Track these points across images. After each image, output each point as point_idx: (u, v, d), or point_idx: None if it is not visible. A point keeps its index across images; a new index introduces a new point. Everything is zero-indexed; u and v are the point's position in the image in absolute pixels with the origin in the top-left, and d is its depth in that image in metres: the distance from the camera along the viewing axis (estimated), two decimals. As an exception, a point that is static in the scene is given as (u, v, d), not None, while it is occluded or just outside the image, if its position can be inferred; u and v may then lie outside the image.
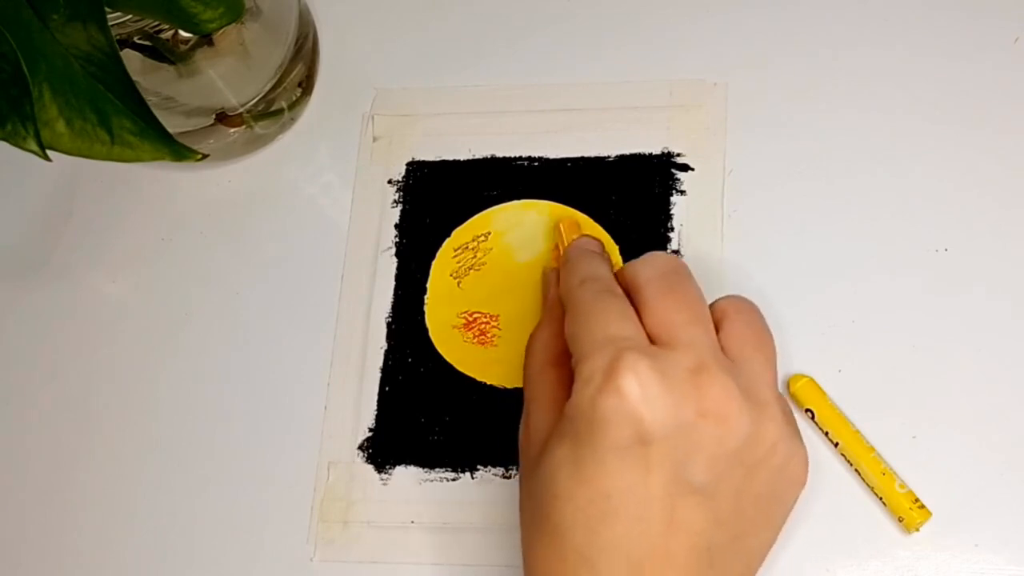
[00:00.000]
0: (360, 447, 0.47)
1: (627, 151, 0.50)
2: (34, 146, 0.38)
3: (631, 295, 0.38)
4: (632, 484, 0.34)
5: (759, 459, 0.36)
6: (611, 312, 0.37)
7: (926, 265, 0.46)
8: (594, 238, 0.45)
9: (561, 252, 0.46)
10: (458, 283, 0.49)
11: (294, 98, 0.53)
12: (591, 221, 0.49)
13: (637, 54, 0.52)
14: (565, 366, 0.39)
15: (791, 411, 0.38)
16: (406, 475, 0.47)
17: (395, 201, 0.51)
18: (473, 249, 0.50)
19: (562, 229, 0.47)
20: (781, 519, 0.38)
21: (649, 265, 0.39)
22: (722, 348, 0.37)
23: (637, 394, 0.34)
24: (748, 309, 0.39)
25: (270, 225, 0.52)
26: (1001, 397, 0.44)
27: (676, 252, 0.48)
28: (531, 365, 0.41)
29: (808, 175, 0.48)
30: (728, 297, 0.39)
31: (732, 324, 0.38)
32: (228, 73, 0.49)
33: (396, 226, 0.51)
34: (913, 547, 0.42)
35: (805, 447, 0.38)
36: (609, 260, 0.43)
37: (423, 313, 0.49)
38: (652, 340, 0.36)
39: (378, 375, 0.48)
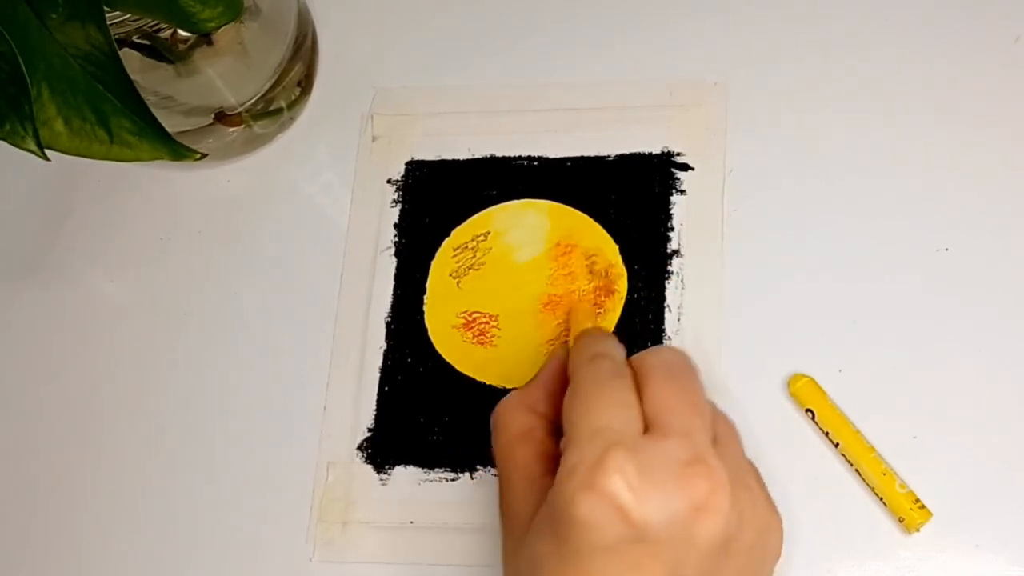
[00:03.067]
0: (359, 447, 0.47)
1: (627, 151, 0.50)
2: (33, 145, 0.38)
3: (636, 379, 0.38)
4: None
5: (747, 544, 0.36)
6: (612, 397, 0.37)
7: (926, 265, 0.46)
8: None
9: (570, 335, 0.44)
10: (457, 283, 0.49)
11: (293, 97, 0.53)
12: (591, 220, 0.49)
13: (637, 54, 0.52)
14: (536, 441, 0.39)
15: (762, 479, 0.38)
16: (405, 475, 0.47)
17: (394, 201, 0.51)
18: (472, 249, 0.50)
19: (576, 314, 0.46)
20: None
21: (656, 354, 0.39)
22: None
23: (623, 493, 0.33)
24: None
25: (269, 225, 0.52)
26: (1001, 397, 0.44)
27: (676, 252, 0.48)
28: (501, 440, 0.40)
29: (808, 175, 0.48)
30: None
31: (712, 408, 0.38)
32: (227, 72, 0.49)
33: (395, 226, 0.51)
34: (914, 547, 0.42)
35: (777, 514, 0.38)
36: (623, 348, 0.41)
37: (422, 313, 0.49)
38: (647, 425, 0.36)
39: (377, 375, 0.48)
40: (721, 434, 0.38)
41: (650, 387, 0.37)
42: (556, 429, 0.40)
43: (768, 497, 0.38)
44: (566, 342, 0.44)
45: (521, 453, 0.39)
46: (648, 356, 0.39)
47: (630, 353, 0.40)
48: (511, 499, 0.39)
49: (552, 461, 0.39)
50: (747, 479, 0.37)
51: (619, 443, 0.34)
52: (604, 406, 0.36)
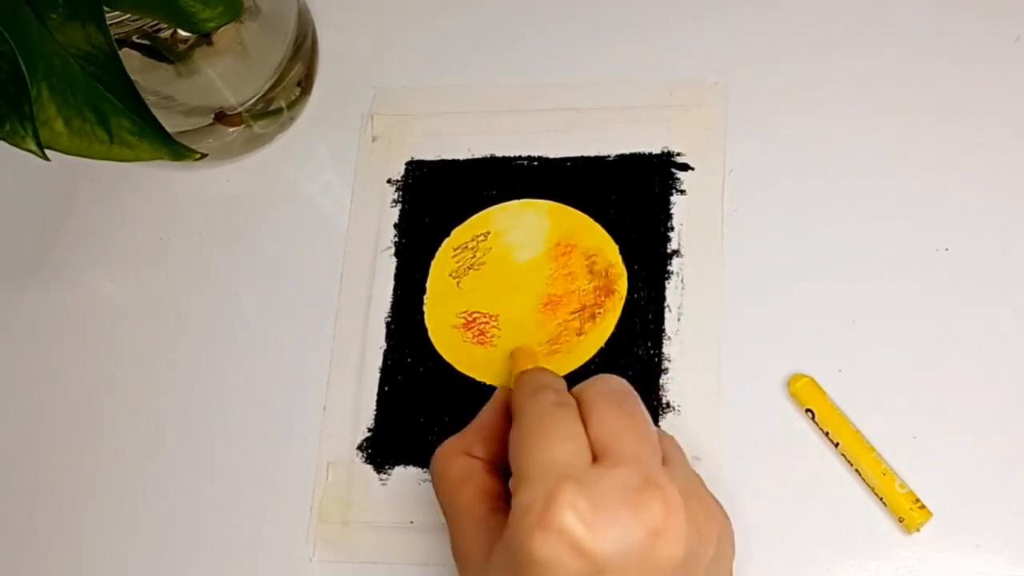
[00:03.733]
0: (359, 447, 0.47)
1: (627, 151, 0.50)
2: (32, 145, 0.38)
3: (580, 409, 0.38)
4: None
5: (700, 556, 0.36)
6: (558, 430, 0.36)
7: (926, 265, 0.46)
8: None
9: (512, 375, 0.44)
10: (457, 283, 0.49)
11: (293, 97, 0.53)
12: (591, 220, 0.49)
13: (637, 54, 0.52)
14: (477, 482, 0.39)
15: (705, 484, 0.38)
16: (405, 475, 0.47)
17: (394, 201, 0.51)
18: (472, 249, 0.50)
19: (518, 357, 0.46)
20: None
21: (598, 382, 0.39)
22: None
23: (577, 528, 0.33)
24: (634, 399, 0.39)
25: (269, 225, 0.52)
26: (1001, 397, 0.44)
27: (676, 252, 0.48)
28: (441, 486, 0.40)
29: (808, 175, 0.48)
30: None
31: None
32: (227, 72, 0.49)
33: (395, 226, 0.51)
34: (914, 548, 0.42)
35: (726, 517, 0.38)
36: (564, 382, 0.41)
37: (422, 313, 0.49)
38: (596, 454, 0.36)
39: (377, 375, 0.48)
40: (667, 452, 0.37)
41: (595, 416, 0.37)
42: (495, 468, 0.40)
43: (716, 501, 0.38)
44: (508, 386, 0.43)
45: (464, 495, 0.39)
46: (591, 386, 0.39)
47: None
48: (461, 540, 0.38)
49: (496, 499, 0.39)
50: (698, 490, 0.37)
51: (568, 476, 0.34)
52: (550, 439, 0.36)
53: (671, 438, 0.40)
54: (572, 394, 0.39)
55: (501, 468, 0.40)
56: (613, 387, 0.39)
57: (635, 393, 0.39)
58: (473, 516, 0.38)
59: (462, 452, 0.40)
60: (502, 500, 0.39)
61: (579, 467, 0.35)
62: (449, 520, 0.40)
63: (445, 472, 0.40)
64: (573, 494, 0.33)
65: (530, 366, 0.43)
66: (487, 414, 0.42)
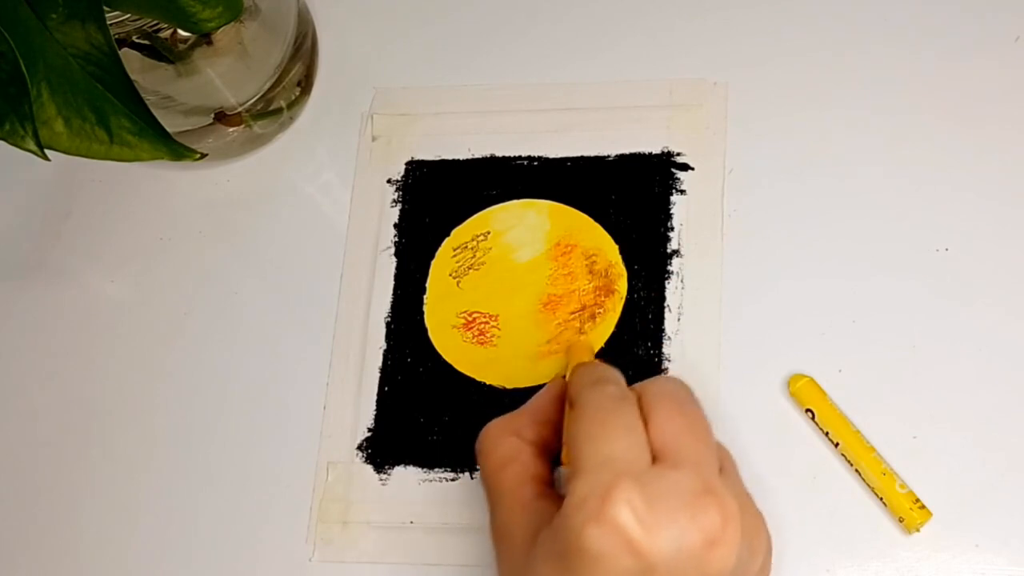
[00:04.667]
0: (359, 447, 0.47)
1: (627, 151, 0.50)
2: (32, 145, 0.38)
3: (640, 406, 0.37)
4: None
5: (752, 569, 0.36)
6: (619, 422, 0.36)
7: (926, 265, 0.46)
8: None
9: (568, 367, 0.43)
10: (457, 283, 0.49)
11: (293, 97, 0.53)
12: (591, 220, 0.49)
13: (637, 54, 0.52)
14: (524, 464, 0.39)
15: (752, 500, 0.38)
16: (405, 475, 0.46)
17: (394, 200, 0.51)
18: (472, 249, 0.50)
19: (574, 349, 0.46)
20: None
21: (662, 383, 0.38)
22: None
23: (632, 526, 0.33)
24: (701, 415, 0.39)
25: (269, 225, 0.52)
26: (1001, 397, 0.44)
27: (676, 252, 0.48)
28: (487, 465, 0.39)
29: (808, 175, 0.48)
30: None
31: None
32: (227, 72, 0.49)
33: (395, 226, 0.51)
34: (914, 548, 0.42)
35: (770, 534, 0.38)
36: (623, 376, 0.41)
37: (422, 313, 0.49)
38: (655, 454, 0.35)
39: (377, 375, 0.48)
40: (724, 463, 0.37)
41: (658, 416, 0.36)
42: (543, 453, 0.40)
43: (762, 518, 0.37)
44: (563, 377, 0.43)
45: (509, 476, 0.39)
46: (653, 385, 0.38)
47: (631, 380, 0.39)
48: (504, 521, 0.38)
49: (543, 484, 0.39)
50: (750, 505, 0.37)
51: (628, 473, 0.34)
52: (611, 433, 0.35)
53: (725, 449, 0.39)
54: (632, 390, 0.38)
55: (550, 454, 0.40)
56: (675, 388, 0.38)
57: (695, 397, 0.38)
58: (518, 498, 0.38)
59: (511, 432, 0.40)
60: (549, 485, 0.39)
61: (639, 464, 0.35)
62: (491, 501, 0.39)
63: (492, 451, 0.39)
64: (631, 491, 0.33)
65: (587, 359, 0.43)
66: (541, 399, 0.41)
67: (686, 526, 0.33)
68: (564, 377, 0.43)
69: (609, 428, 0.36)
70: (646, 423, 0.36)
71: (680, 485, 0.34)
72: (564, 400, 0.40)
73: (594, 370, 0.40)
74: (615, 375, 0.39)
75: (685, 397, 0.38)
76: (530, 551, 0.36)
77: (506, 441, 0.40)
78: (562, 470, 0.39)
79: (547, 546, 0.35)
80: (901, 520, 0.42)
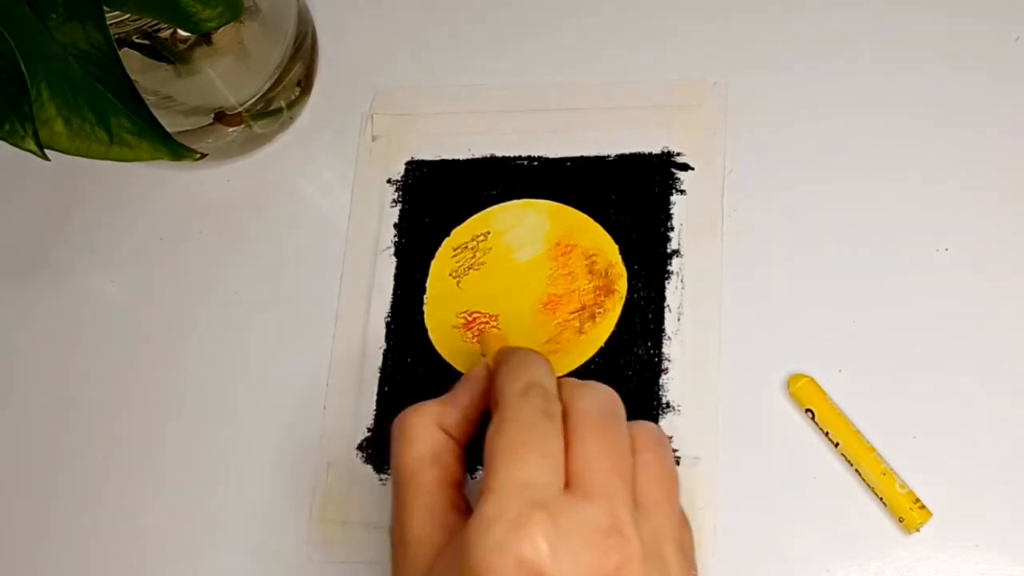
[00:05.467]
0: (359, 447, 0.47)
1: (627, 151, 0.50)
2: (32, 145, 0.38)
3: (565, 421, 0.36)
4: None
5: None
6: (540, 445, 0.35)
7: (926, 265, 0.46)
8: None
9: (488, 357, 0.41)
10: (457, 283, 0.49)
11: (293, 97, 0.53)
12: (591, 220, 0.49)
13: (637, 54, 0.52)
14: (444, 467, 0.38)
15: (686, 549, 0.37)
16: (405, 475, 0.46)
17: (394, 200, 0.51)
18: (472, 249, 0.50)
19: (488, 338, 0.43)
20: None
21: (589, 396, 0.37)
22: (636, 492, 0.36)
23: (541, 559, 0.32)
24: (662, 444, 0.38)
25: (269, 225, 0.52)
26: (1001, 397, 0.44)
27: (676, 252, 0.48)
28: (408, 454, 0.38)
29: (808, 175, 0.48)
30: (644, 426, 0.38)
31: (648, 463, 0.37)
32: (227, 72, 0.49)
33: (395, 226, 0.51)
34: (913, 548, 0.42)
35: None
36: (553, 370, 0.39)
37: (422, 313, 0.49)
38: (569, 478, 0.34)
39: (377, 375, 0.48)
40: (652, 496, 0.36)
41: (577, 436, 0.35)
42: (463, 453, 0.39)
43: (686, 560, 0.36)
44: (486, 365, 0.41)
45: (428, 479, 0.37)
46: (582, 400, 0.37)
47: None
48: (408, 526, 0.37)
49: (457, 492, 0.38)
50: (666, 551, 0.35)
51: (541, 503, 0.33)
52: (529, 454, 0.34)
53: (661, 473, 0.37)
54: (561, 398, 0.37)
55: (470, 454, 0.39)
56: (602, 405, 0.37)
57: (622, 413, 0.37)
58: (431, 506, 0.37)
59: (440, 426, 0.38)
60: (462, 495, 0.38)
61: (552, 493, 0.34)
62: (400, 498, 0.37)
63: (413, 441, 0.38)
64: (543, 523, 0.33)
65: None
66: (468, 394, 0.40)
67: (587, 564, 0.33)
68: (486, 362, 0.41)
69: (530, 449, 0.35)
70: (567, 441, 0.35)
71: (589, 520, 0.33)
72: (488, 394, 0.39)
73: (522, 371, 0.38)
74: (544, 377, 0.37)
75: (611, 417, 0.37)
76: (433, 565, 0.35)
77: (431, 434, 0.38)
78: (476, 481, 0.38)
79: (449, 565, 0.35)
80: (901, 520, 0.42)
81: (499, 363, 0.39)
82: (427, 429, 0.38)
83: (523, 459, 0.34)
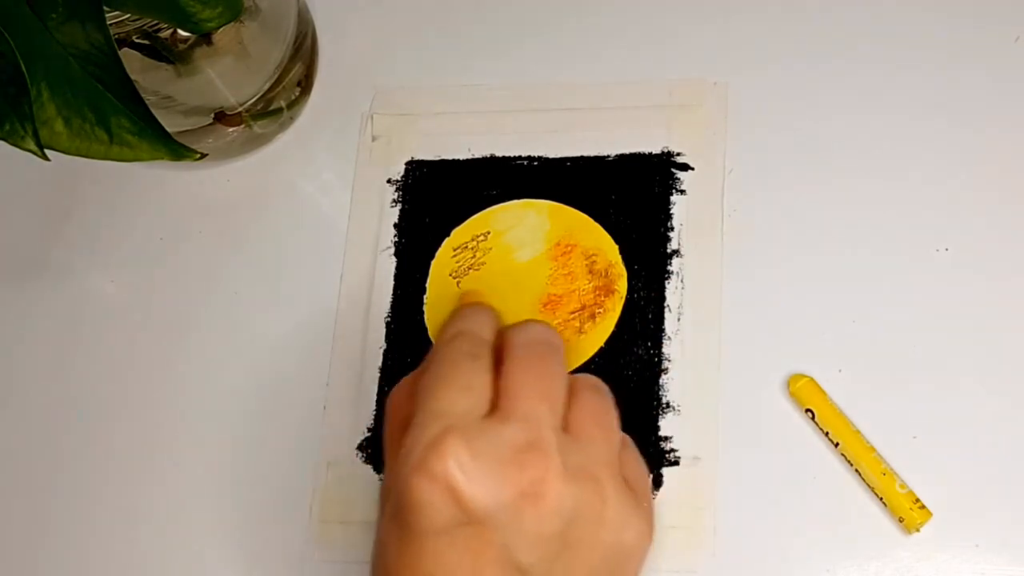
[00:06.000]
0: (359, 447, 0.47)
1: (627, 151, 0.50)
2: (32, 145, 0.38)
3: (500, 356, 0.38)
4: (457, 565, 0.34)
5: (587, 537, 0.35)
6: (460, 380, 0.36)
7: (926, 265, 0.46)
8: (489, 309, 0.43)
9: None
10: (457, 283, 0.49)
11: (293, 97, 0.53)
12: (591, 220, 0.49)
13: (637, 54, 0.52)
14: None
15: (633, 483, 0.37)
16: (405, 475, 0.46)
17: (394, 200, 0.51)
18: (472, 249, 0.50)
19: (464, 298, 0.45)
20: None
21: (523, 331, 0.38)
22: (567, 422, 0.37)
23: (455, 476, 0.33)
24: (600, 388, 0.39)
25: (269, 224, 0.52)
26: (1001, 397, 0.44)
27: (676, 252, 0.48)
28: (388, 427, 0.39)
29: (808, 175, 0.48)
30: (582, 375, 0.39)
31: (580, 400, 0.38)
32: (227, 72, 0.49)
33: (395, 226, 0.51)
34: (913, 548, 0.42)
35: (644, 518, 0.37)
36: (496, 322, 0.41)
37: (422, 313, 0.49)
38: (493, 406, 0.36)
39: (377, 375, 0.48)
40: (585, 426, 0.37)
41: (505, 367, 0.37)
42: None
43: (626, 496, 0.36)
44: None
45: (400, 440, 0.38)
46: (514, 334, 0.38)
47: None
48: (387, 488, 0.38)
49: None
50: (600, 474, 0.36)
51: (456, 427, 0.34)
52: (450, 388, 0.36)
53: (602, 416, 0.38)
54: (499, 338, 0.39)
55: None
56: (534, 338, 0.38)
57: (557, 346, 0.38)
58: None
59: (412, 394, 0.39)
60: None
61: (469, 419, 0.35)
62: (387, 465, 0.39)
63: (394, 414, 0.39)
64: (457, 443, 0.34)
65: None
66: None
67: (504, 479, 0.34)
68: None
69: (449, 384, 0.36)
70: (497, 375, 0.37)
71: (506, 438, 0.35)
72: None
73: (455, 324, 0.39)
74: (477, 326, 0.39)
75: (542, 348, 0.38)
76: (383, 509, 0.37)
77: (408, 404, 0.39)
78: None
79: (385, 499, 0.36)
80: (901, 520, 0.42)
81: (441, 324, 0.41)
82: (402, 399, 0.39)
83: (442, 392, 0.36)
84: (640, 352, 0.46)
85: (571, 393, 0.38)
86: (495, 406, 0.36)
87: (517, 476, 0.34)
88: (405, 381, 0.40)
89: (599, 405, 0.38)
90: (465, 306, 0.42)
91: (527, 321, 0.39)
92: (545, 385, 0.37)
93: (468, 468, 0.34)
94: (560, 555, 0.35)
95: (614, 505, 0.36)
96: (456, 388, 0.36)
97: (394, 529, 0.35)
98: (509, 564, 0.34)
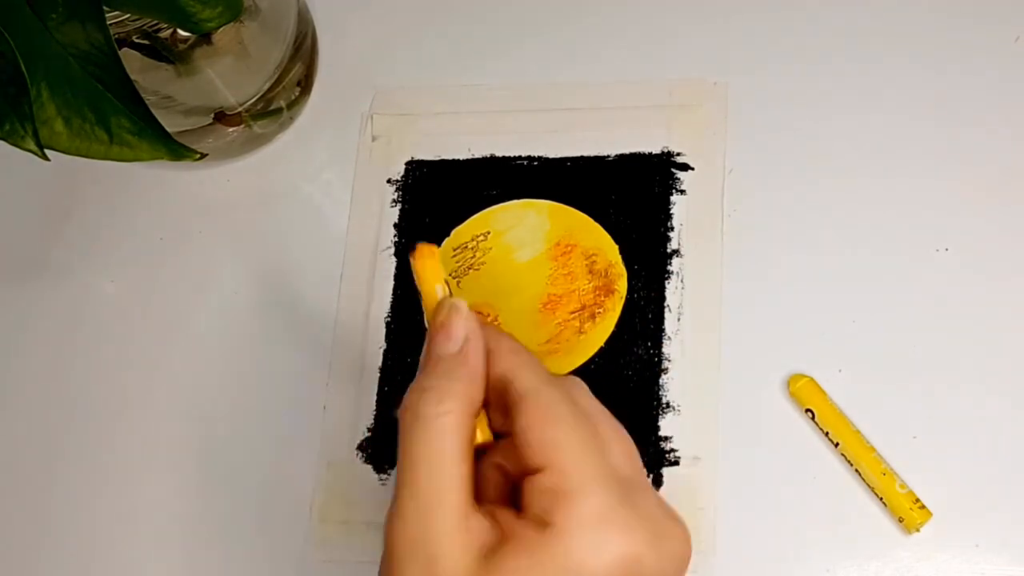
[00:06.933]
0: (359, 447, 0.47)
1: (627, 151, 0.50)
2: (32, 145, 0.38)
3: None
4: None
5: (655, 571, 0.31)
6: (598, 439, 0.32)
7: (926, 265, 0.46)
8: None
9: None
10: (457, 283, 0.49)
11: (293, 97, 0.53)
12: (591, 220, 0.49)
13: (637, 54, 0.52)
14: (475, 461, 0.32)
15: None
16: (405, 475, 0.46)
17: (394, 200, 0.51)
18: (472, 249, 0.50)
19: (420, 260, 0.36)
20: None
21: (546, 390, 0.32)
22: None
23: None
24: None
25: (269, 225, 0.52)
26: (1001, 397, 0.44)
27: (676, 252, 0.48)
28: (427, 442, 0.31)
29: (808, 175, 0.48)
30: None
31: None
32: (227, 72, 0.49)
33: (395, 225, 0.51)
34: (913, 547, 0.42)
35: (683, 526, 0.33)
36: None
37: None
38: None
39: (377, 375, 0.48)
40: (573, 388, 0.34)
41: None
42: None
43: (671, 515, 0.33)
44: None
45: (462, 471, 0.31)
46: (541, 394, 0.32)
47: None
48: (420, 532, 0.31)
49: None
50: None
51: (627, 487, 0.31)
52: (599, 448, 0.32)
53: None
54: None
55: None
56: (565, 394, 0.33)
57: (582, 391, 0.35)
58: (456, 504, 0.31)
59: (478, 407, 0.33)
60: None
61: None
62: (408, 485, 0.31)
63: (455, 429, 0.32)
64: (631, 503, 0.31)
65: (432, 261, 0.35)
66: (480, 363, 0.33)
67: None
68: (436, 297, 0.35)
69: (596, 439, 0.32)
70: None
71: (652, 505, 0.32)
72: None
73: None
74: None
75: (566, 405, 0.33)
76: None
77: (469, 425, 0.32)
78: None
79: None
80: (901, 520, 0.42)
81: (504, 351, 0.34)
82: (453, 410, 0.32)
83: (599, 450, 0.32)
84: (640, 352, 0.46)
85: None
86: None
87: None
88: (443, 391, 0.32)
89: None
90: (513, 344, 0.34)
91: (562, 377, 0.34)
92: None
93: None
94: None
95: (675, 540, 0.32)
96: (600, 443, 0.32)
97: None
98: None
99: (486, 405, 0.34)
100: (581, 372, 0.46)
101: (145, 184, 0.54)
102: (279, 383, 0.49)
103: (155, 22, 0.44)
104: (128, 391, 0.50)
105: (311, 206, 0.52)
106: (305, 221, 0.52)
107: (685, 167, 0.49)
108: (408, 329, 0.49)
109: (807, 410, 0.44)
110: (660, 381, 0.46)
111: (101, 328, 0.52)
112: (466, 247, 0.50)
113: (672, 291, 0.47)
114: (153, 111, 0.40)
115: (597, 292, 0.48)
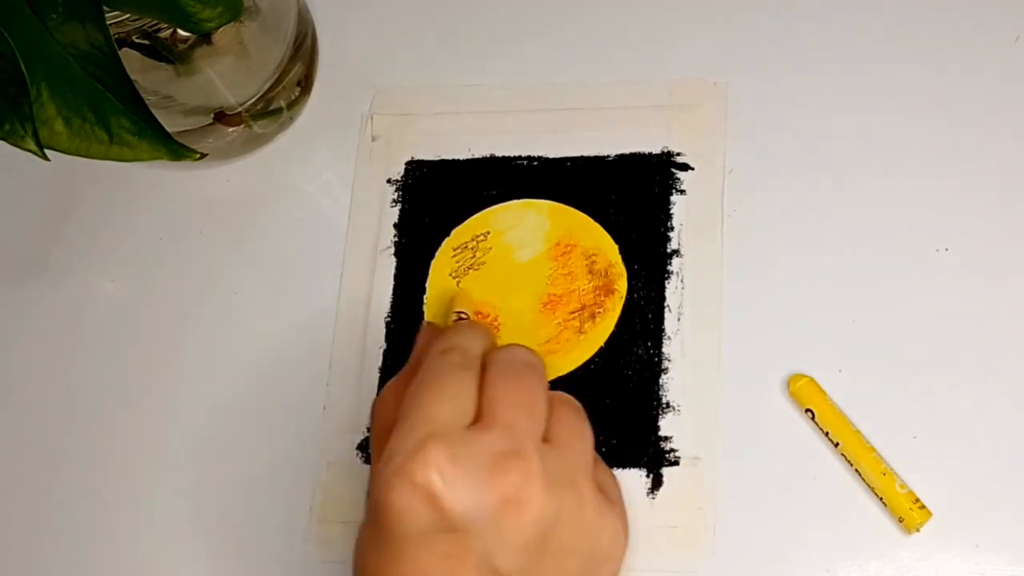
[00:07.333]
0: (359, 447, 0.47)
1: (627, 151, 0.50)
2: (32, 145, 0.38)
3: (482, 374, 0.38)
4: (436, 572, 0.34)
5: (566, 542, 0.35)
6: (447, 389, 0.37)
7: (926, 265, 0.46)
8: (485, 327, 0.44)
9: (448, 318, 0.45)
10: (457, 283, 0.49)
11: (293, 97, 0.53)
12: (591, 220, 0.49)
13: (637, 54, 0.52)
14: None
15: (606, 489, 0.38)
16: (405, 475, 0.46)
17: (394, 200, 0.51)
18: (472, 249, 0.50)
19: (456, 299, 0.46)
20: None
21: (505, 351, 0.39)
22: (546, 434, 0.37)
23: (435, 483, 0.33)
24: (573, 402, 0.39)
25: (269, 224, 0.52)
26: (1001, 397, 0.44)
27: (676, 252, 0.48)
28: (373, 432, 0.40)
29: (808, 175, 0.48)
30: (558, 392, 0.39)
31: (558, 413, 0.38)
32: (227, 72, 0.49)
33: (395, 225, 0.51)
34: (913, 547, 0.42)
35: (620, 520, 0.37)
36: (488, 341, 0.41)
37: (422, 313, 0.49)
38: (477, 418, 0.36)
39: (377, 375, 0.48)
40: (563, 436, 0.37)
41: (486, 380, 0.37)
42: None
43: (606, 501, 0.37)
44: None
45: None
46: (497, 353, 0.39)
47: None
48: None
49: None
50: (578, 480, 0.36)
51: (438, 434, 0.35)
52: (436, 396, 0.36)
53: (576, 427, 0.38)
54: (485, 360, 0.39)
55: None
56: (515, 357, 0.39)
57: (538, 366, 0.39)
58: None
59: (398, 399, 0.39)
60: None
61: (452, 427, 0.35)
62: (371, 465, 0.38)
63: (379, 418, 0.39)
64: (438, 450, 0.34)
65: (463, 308, 0.44)
66: (411, 362, 0.41)
67: (484, 485, 0.34)
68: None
69: (436, 392, 0.37)
70: (481, 389, 0.37)
71: (487, 446, 0.35)
72: None
73: (449, 338, 0.39)
74: (467, 341, 0.39)
75: (522, 366, 0.38)
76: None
77: (393, 409, 0.39)
78: None
79: (367, 506, 0.36)
80: (901, 520, 0.42)
81: (422, 337, 0.42)
82: (387, 404, 0.39)
83: (428, 400, 0.36)
84: (640, 352, 0.46)
85: (549, 407, 0.38)
86: (477, 418, 0.36)
87: (498, 483, 0.34)
88: (390, 386, 0.40)
89: (576, 418, 0.38)
90: (460, 324, 0.43)
91: (509, 344, 0.40)
92: (525, 397, 0.37)
93: (448, 475, 0.34)
94: (539, 562, 0.35)
95: (591, 509, 0.36)
96: (442, 397, 0.36)
97: (374, 533, 0.35)
98: (488, 571, 0.34)
99: None
100: (581, 372, 0.46)
101: (145, 184, 0.54)
102: (279, 383, 0.49)
103: (155, 22, 0.44)
104: (128, 391, 0.50)
105: (311, 206, 0.52)
106: (305, 221, 0.52)
107: (685, 167, 0.49)
108: (408, 329, 0.49)
109: (807, 410, 0.44)
110: (660, 381, 0.46)
111: (101, 328, 0.52)
112: (466, 247, 0.50)
113: (672, 291, 0.47)
114: (153, 111, 0.40)
115: (597, 292, 0.48)
